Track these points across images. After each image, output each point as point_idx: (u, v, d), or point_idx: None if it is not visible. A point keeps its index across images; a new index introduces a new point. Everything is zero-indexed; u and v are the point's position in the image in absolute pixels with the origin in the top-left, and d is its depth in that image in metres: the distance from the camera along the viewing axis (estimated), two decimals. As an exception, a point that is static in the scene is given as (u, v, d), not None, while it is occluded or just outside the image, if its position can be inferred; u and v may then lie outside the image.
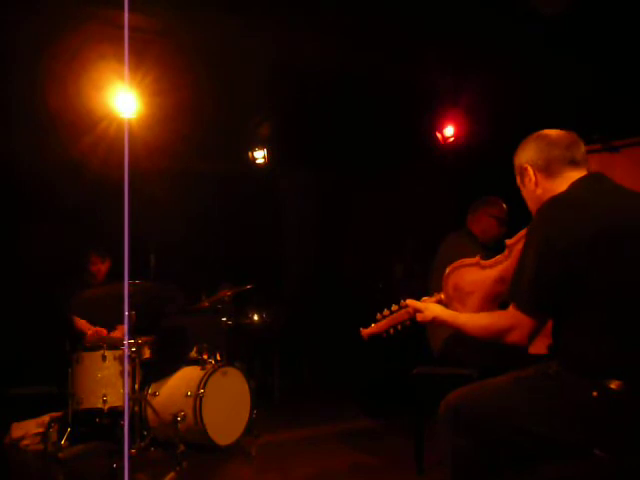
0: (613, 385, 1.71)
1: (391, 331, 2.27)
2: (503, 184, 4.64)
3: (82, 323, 4.57)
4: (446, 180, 6.16)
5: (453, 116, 6.24)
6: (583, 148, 2.01)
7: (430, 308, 2.14)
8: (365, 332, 2.31)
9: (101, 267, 4.80)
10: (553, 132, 2.03)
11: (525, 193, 2.10)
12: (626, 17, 4.27)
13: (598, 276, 1.76)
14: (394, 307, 2.26)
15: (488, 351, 3.15)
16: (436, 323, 2.13)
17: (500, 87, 5.11)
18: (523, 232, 2.04)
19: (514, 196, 3.92)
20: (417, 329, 3.72)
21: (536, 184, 2.03)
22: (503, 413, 1.87)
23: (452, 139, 6.32)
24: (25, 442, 4.26)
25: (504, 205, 3.74)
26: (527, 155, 2.05)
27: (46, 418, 4.28)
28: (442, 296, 2.21)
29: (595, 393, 1.73)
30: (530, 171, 2.03)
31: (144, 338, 4.24)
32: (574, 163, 1.97)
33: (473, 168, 5.88)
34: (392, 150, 6.13)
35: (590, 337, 1.77)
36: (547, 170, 2.00)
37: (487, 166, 5.66)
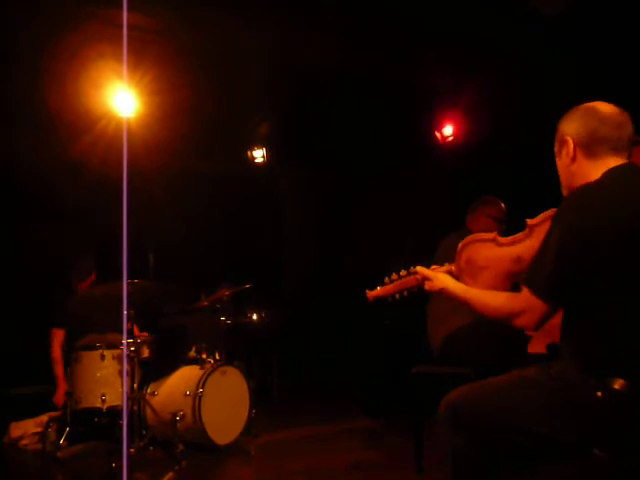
0: (617, 385, 1.69)
1: (397, 296, 2.21)
2: (502, 183, 4.66)
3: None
4: (445, 179, 6.16)
5: (452, 115, 6.24)
6: (631, 130, 1.91)
7: (440, 278, 2.09)
8: (371, 294, 2.26)
9: (88, 281, 4.74)
10: (605, 107, 1.92)
11: (559, 163, 2.01)
12: (625, 16, 4.28)
13: (621, 271, 1.71)
14: (403, 272, 2.20)
15: (488, 350, 3.16)
16: (444, 294, 2.07)
17: (499, 87, 5.12)
18: (547, 213, 1.98)
19: (513, 195, 3.93)
20: (418, 327, 3.73)
21: (573, 159, 1.93)
22: (503, 412, 1.86)
23: (451, 138, 6.33)
24: (24, 442, 4.26)
25: (502, 205, 3.73)
26: (572, 126, 1.94)
27: (45, 418, 4.28)
28: (453, 267, 2.14)
29: (599, 393, 1.70)
30: (570, 144, 1.93)
31: (143, 335, 4.23)
32: (617, 148, 1.88)
33: (472, 167, 5.89)
34: (392, 150, 6.13)
35: (601, 333, 1.74)
36: (589, 149, 1.90)
37: (486, 165, 5.67)
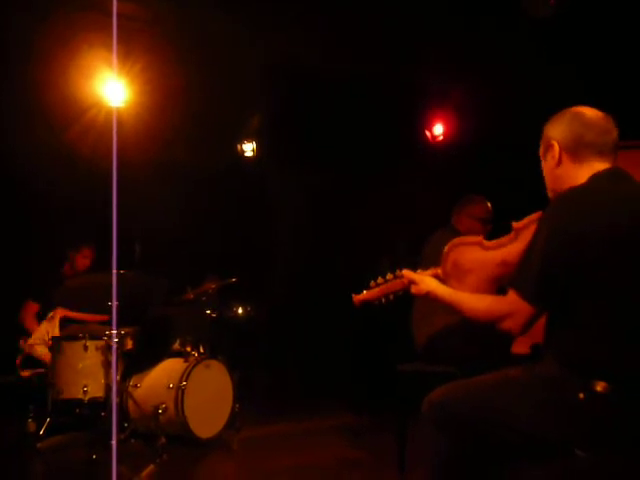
0: (599, 387, 1.70)
1: (383, 300, 2.21)
2: (492, 182, 4.66)
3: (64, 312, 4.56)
4: (436, 178, 6.17)
5: (442, 115, 6.25)
6: (616, 135, 1.92)
7: (426, 281, 2.09)
8: (357, 298, 2.26)
9: (87, 261, 4.81)
10: (591, 112, 1.93)
11: (544, 166, 2.02)
12: (615, 20, 4.31)
13: (606, 274, 1.73)
14: (389, 276, 2.20)
15: (472, 349, 3.16)
16: (430, 297, 2.07)
17: (489, 86, 5.13)
18: (532, 216, 1.98)
19: (502, 194, 3.94)
20: (403, 325, 3.73)
21: (558, 163, 1.94)
22: (486, 412, 1.86)
23: (441, 138, 6.34)
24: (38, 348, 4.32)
25: (489, 205, 3.71)
26: (557, 130, 1.95)
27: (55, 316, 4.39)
28: (439, 271, 2.14)
29: (582, 395, 1.71)
30: (556, 148, 1.94)
31: (126, 329, 4.21)
32: (602, 152, 1.89)
33: (462, 166, 5.90)
34: (382, 148, 6.13)
35: (585, 335, 1.75)
36: (575, 153, 1.91)
37: (476, 164, 5.68)
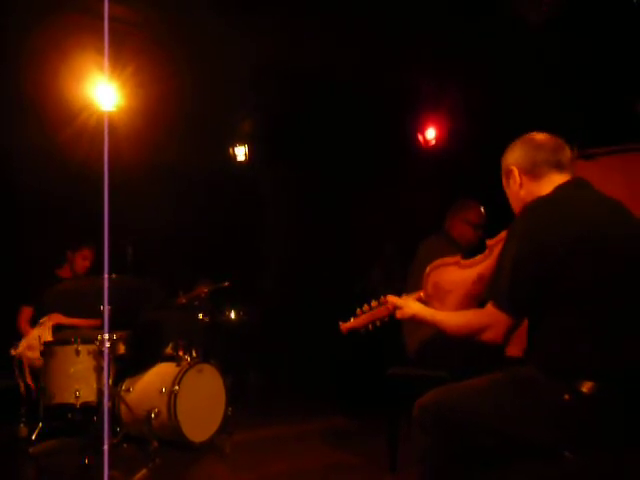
0: (585, 388, 1.73)
1: (370, 327, 2.27)
2: (484, 186, 4.68)
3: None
4: (428, 182, 6.19)
5: (435, 119, 6.28)
6: (569, 153, 2.04)
7: (409, 305, 2.15)
8: (344, 326, 2.32)
9: (87, 262, 4.77)
10: (540, 136, 2.06)
11: (509, 194, 2.13)
12: (608, 28, 4.34)
13: (575, 278, 1.78)
14: (374, 303, 2.26)
15: (463, 354, 3.17)
16: (415, 320, 2.14)
17: (482, 91, 5.16)
18: (503, 233, 2.05)
19: (495, 198, 3.94)
20: (394, 329, 3.74)
21: (520, 185, 2.05)
22: (476, 415, 1.88)
23: (433, 142, 6.36)
24: (28, 353, 4.27)
25: (481, 209, 3.72)
26: (513, 157, 2.08)
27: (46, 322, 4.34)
28: (422, 294, 2.21)
29: (567, 396, 1.74)
30: (515, 173, 2.06)
31: (118, 333, 4.20)
32: (559, 167, 2.01)
33: (455, 170, 5.92)
34: (374, 151, 6.14)
35: (565, 338, 1.79)
36: (532, 172, 2.03)
37: (469, 168, 5.70)
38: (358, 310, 2.30)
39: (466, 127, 5.83)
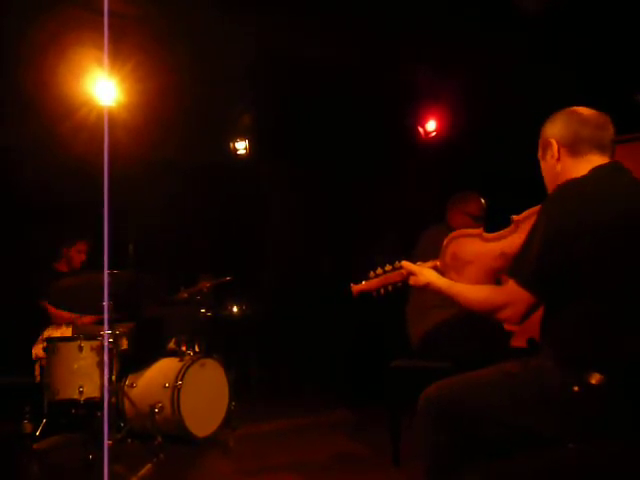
0: (594, 380, 1.71)
1: (382, 291, 2.22)
2: (485, 177, 4.67)
3: (57, 313, 4.54)
4: (429, 174, 6.17)
5: (435, 110, 6.25)
6: (612, 132, 1.96)
7: (424, 273, 2.10)
8: (355, 288, 2.27)
9: (83, 256, 4.79)
10: (586, 110, 1.98)
11: (544, 167, 2.04)
12: (608, 17, 4.32)
13: (601, 266, 1.74)
14: (388, 267, 2.21)
15: (468, 344, 3.17)
16: (429, 288, 2.08)
17: (482, 81, 5.14)
18: (532, 209, 2.00)
19: (495, 190, 3.94)
20: (398, 320, 3.74)
21: (558, 160, 1.97)
22: (482, 406, 1.87)
23: (434, 133, 6.34)
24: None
25: (482, 201, 3.70)
26: (555, 129, 1.99)
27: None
28: (438, 263, 2.15)
29: (576, 388, 1.72)
30: (555, 146, 1.97)
31: (123, 326, 4.20)
32: (600, 147, 1.93)
33: (455, 162, 5.90)
34: (375, 144, 6.13)
35: (581, 326, 1.76)
36: (572, 149, 1.94)
37: (469, 160, 5.69)
38: (371, 273, 2.24)
39: (466, 119, 5.81)
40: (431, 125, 6.32)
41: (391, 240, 6.50)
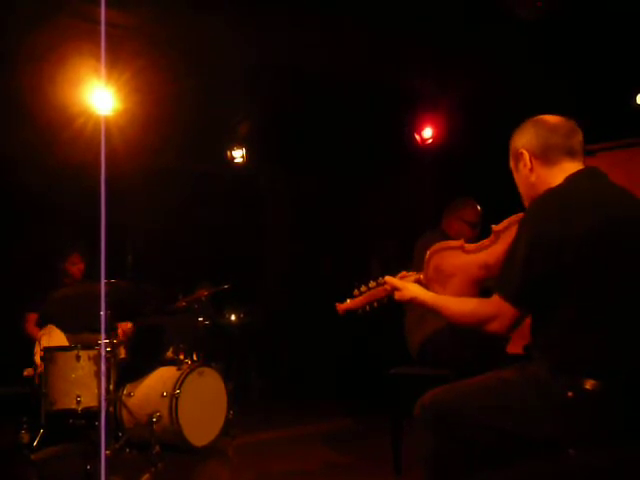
0: (588, 385, 1.71)
1: (367, 308, 2.21)
2: (480, 184, 4.68)
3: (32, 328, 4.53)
4: (425, 181, 6.19)
5: (432, 118, 6.27)
6: (581, 137, 1.96)
7: (409, 288, 2.09)
8: (341, 307, 2.26)
9: (80, 266, 4.77)
10: (552, 118, 1.97)
11: (518, 178, 2.04)
12: (603, 23, 4.34)
13: (587, 274, 1.74)
14: (372, 283, 2.21)
15: (465, 351, 3.17)
16: (414, 303, 2.07)
17: (479, 89, 5.15)
18: (511, 218, 2.00)
19: (491, 195, 3.95)
20: (396, 328, 3.74)
21: (531, 170, 1.97)
22: (479, 413, 1.87)
23: (430, 141, 6.35)
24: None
25: (478, 208, 3.71)
26: (524, 140, 1.98)
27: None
28: (421, 276, 2.15)
29: (570, 394, 1.73)
30: (526, 156, 1.97)
31: (122, 325, 4.20)
32: (571, 153, 1.93)
33: (452, 169, 5.92)
34: (371, 151, 6.14)
35: (570, 334, 1.77)
36: (544, 157, 1.94)
37: (466, 167, 5.70)
38: (355, 291, 2.23)
39: (463, 126, 5.83)
40: (427, 132, 6.33)
41: (387, 247, 6.52)
